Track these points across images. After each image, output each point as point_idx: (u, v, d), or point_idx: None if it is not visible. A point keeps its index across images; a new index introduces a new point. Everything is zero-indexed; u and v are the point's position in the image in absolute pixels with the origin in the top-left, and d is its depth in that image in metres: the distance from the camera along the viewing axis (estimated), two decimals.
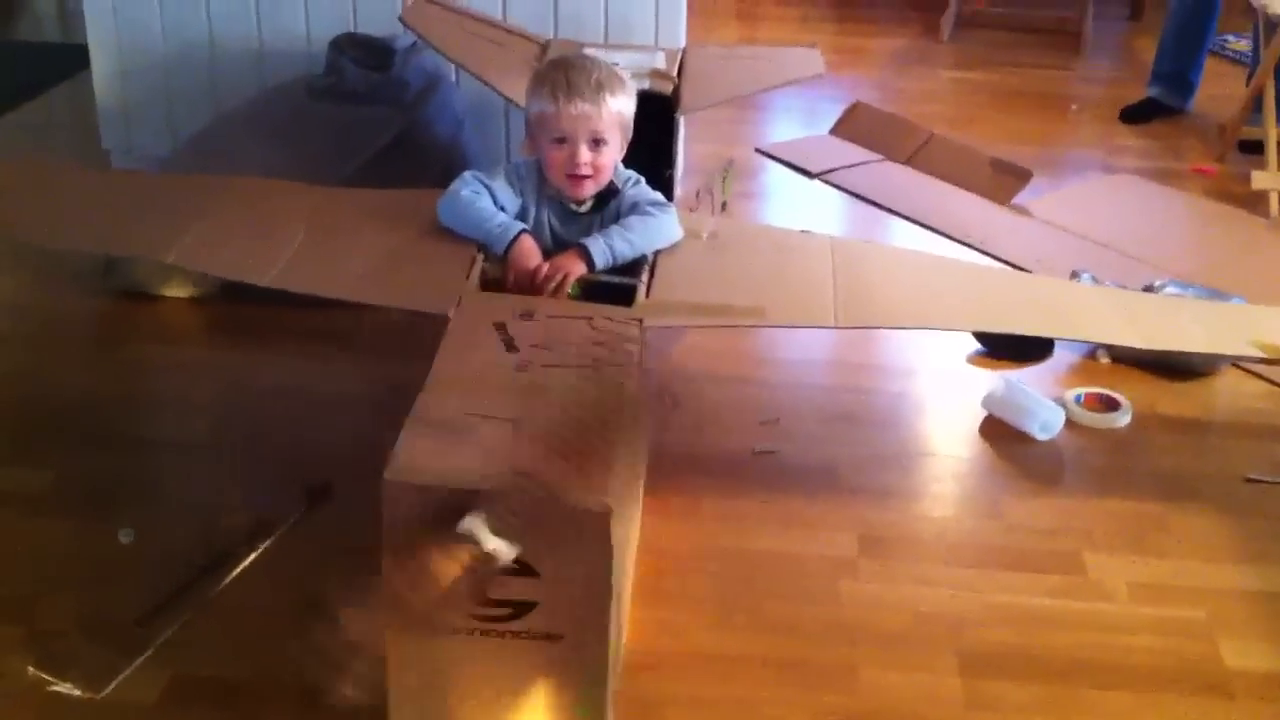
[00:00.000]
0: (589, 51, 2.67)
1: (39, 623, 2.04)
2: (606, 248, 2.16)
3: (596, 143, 2.20)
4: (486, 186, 2.25)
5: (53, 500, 2.36)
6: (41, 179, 2.68)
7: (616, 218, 2.25)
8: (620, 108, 2.22)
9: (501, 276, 2.16)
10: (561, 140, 2.20)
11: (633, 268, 2.19)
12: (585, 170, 2.21)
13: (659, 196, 2.30)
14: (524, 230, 2.20)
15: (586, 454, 1.68)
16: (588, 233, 2.24)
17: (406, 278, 2.17)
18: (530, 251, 2.17)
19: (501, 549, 1.58)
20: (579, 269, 2.14)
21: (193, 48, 3.63)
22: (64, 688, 1.90)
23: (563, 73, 2.21)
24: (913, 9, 5.86)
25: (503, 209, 2.24)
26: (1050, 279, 2.95)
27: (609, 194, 2.28)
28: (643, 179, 2.32)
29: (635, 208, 2.25)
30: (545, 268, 2.14)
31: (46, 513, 2.33)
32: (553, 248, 2.24)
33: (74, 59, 4.16)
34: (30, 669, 1.92)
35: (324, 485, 2.33)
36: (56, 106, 4.45)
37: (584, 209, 2.29)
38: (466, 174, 2.28)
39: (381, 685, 1.72)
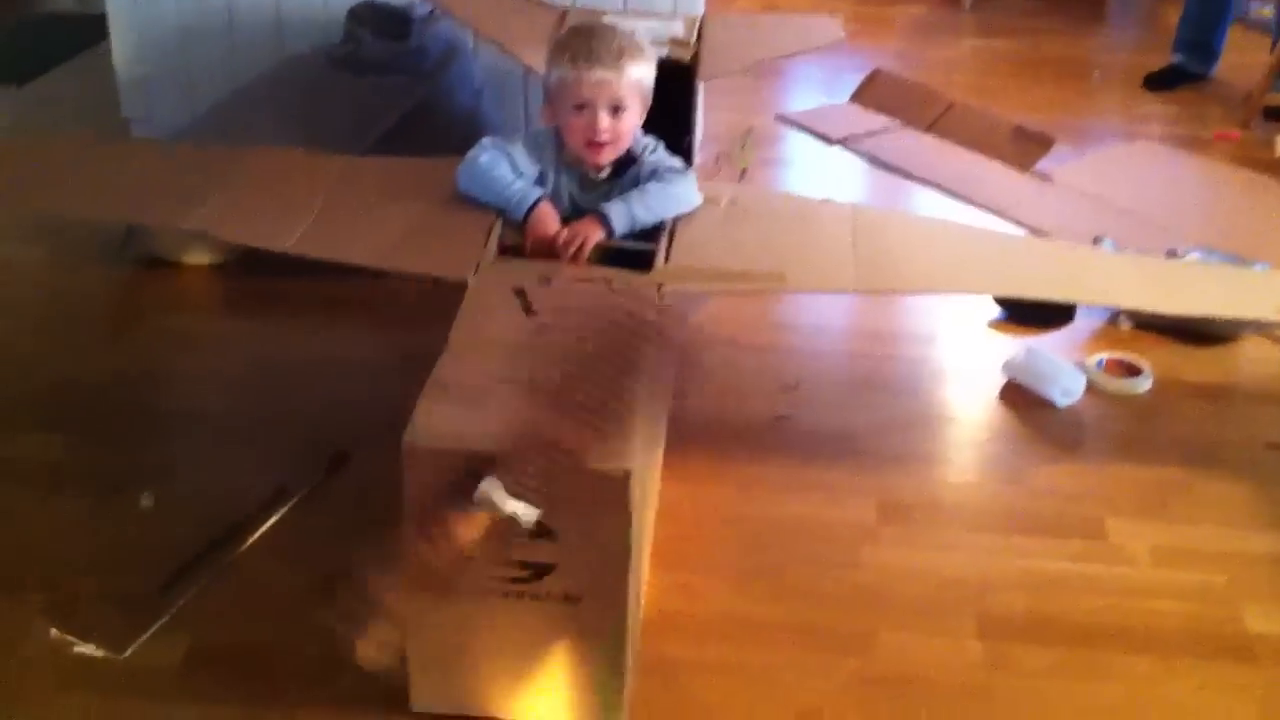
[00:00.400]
0: (608, 19, 2.66)
1: (61, 589, 2.05)
2: (626, 212, 2.16)
3: (616, 109, 2.19)
4: (506, 153, 2.24)
5: (73, 469, 2.37)
6: (60, 150, 2.69)
7: (635, 185, 2.25)
8: (640, 75, 2.21)
9: (520, 243, 2.16)
10: (581, 107, 2.19)
11: (651, 234, 2.18)
12: (605, 137, 2.20)
13: (677, 162, 2.29)
14: (542, 196, 2.19)
15: (605, 417, 1.68)
16: (606, 200, 2.23)
17: (425, 245, 2.17)
18: (549, 218, 2.17)
19: (522, 511, 1.59)
20: (598, 234, 2.14)
21: (211, 17, 3.63)
22: (87, 649, 1.91)
23: (584, 40, 2.21)
24: None
25: (521, 175, 2.24)
26: (1071, 244, 2.93)
27: (627, 161, 2.27)
28: (661, 145, 2.31)
29: (654, 174, 2.25)
30: (564, 233, 2.13)
31: (67, 481, 2.33)
32: (571, 215, 2.23)
33: (93, 29, 4.16)
34: (53, 631, 1.94)
35: (342, 452, 2.33)
36: (76, 77, 4.45)
37: (602, 176, 2.28)
38: (485, 140, 2.27)
39: (401, 649, 1.72)
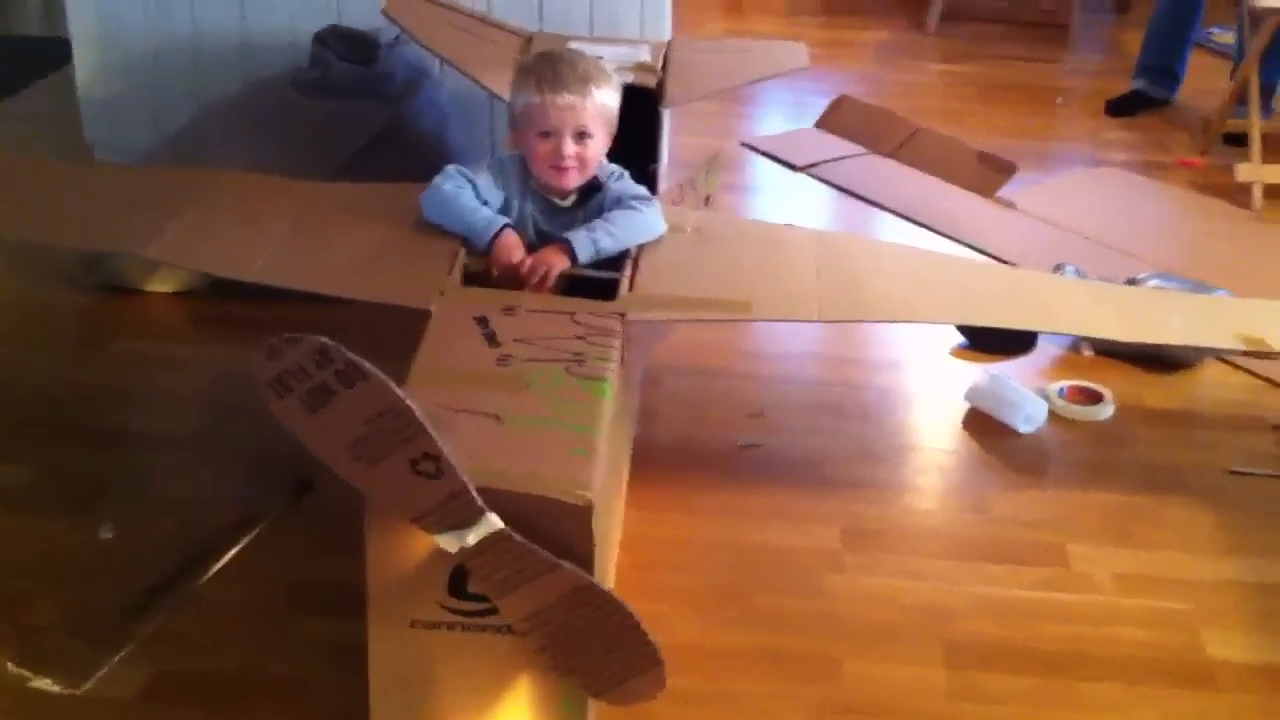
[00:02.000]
0: (574, 45, 2.66)
1: (21, 618, 2.03)
2: (590, 242, 2.16)
3: (581, 135, 2.20)
4: (470, 180, 2.24)
5: (35, 496, 2.35)
6: (23, 174, 2.67)
7: (600, 212, 2.25)
8: (605, 100, 2.22)
9: (485, 271, 2.16)
10: (547, 134, 2.19)
11: (616, 262, 2.18)
12: (570, 163, 2.21)
13: (643, 190, 2.30)
14: (507, 224, 2.19)
15: (567, 447, 1.67)
16: (571, 227, 2.24)
17: (390, 272, 2.17)
18: (514, 246, 2.17)
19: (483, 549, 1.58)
20: (562, 263, 2.14)
21: (176, 41, 3.62)
22: (43, 684, 1.89)
23: (549, 66, 2.21)
24: (899, 2, 5.84)
25: (486, 203, 2.24)
26: (1033, 272, 2.95)
27: (593, 188, 2.28)
28: (626, 173, 2.32)
29: (619, 202, 2.25)
30: (528, 262, 2.13)
31: (29, 508, 2.32)
32: (536, 242, 2.24)
33: (57, 52, 4.13)
34: (10, 665, 1.92)
35: (306, 480, 2.32)
36: (39, 100, 4.41)
37: (568, 203, 2.29)
38: (449, 168, 2.27)
39: (364, 679, 1.71)
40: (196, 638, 2.01)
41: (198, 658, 1.98)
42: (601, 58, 2.33)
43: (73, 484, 2.38)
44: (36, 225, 2.43)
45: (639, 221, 2.23)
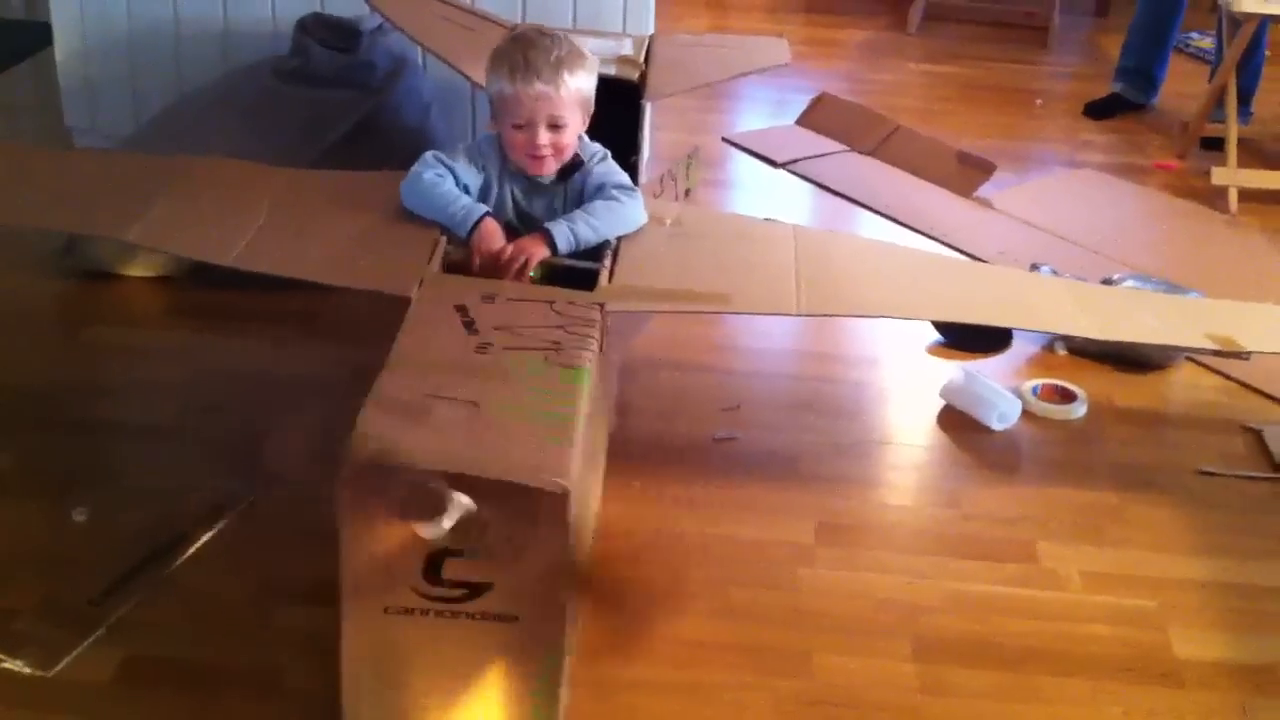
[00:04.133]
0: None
1: None
2: (570, 232, 2.16)
3: (555, 124, 2.20)
4: (448, 167, 2.25)
5: (10, 481, 2.35)
6: (0, 157, 2.66)
7: (582, 191, 2.26)
8: (579, 85, 2.21)
9: (465, 259, 2.16)
10: (520, 124, 2.20)
11: (596, 252, 2.19)
12: (545, 151, 2.21)
13: (626, 180, 2.30)
14: (487, 213, 2.20)
15: (544, 436, 1.68)
16: (552, 205, 2.26)
17: (369, 260, 2.17)
18: (494, 234, 2.17)
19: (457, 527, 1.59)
20: (541, 252, 2.14)
21: (157, 26, 3.60)
22: (14, 665, 1.89)
23: (520, 52, 2.19)
24: (881, 2, 5.87)
25: (466, 188, 2.24)
26: (1010, 270, 2.97)
27: (573, 166, 2.28)
28: (609, 154, 2.33)
29: (601, 190, 2.25)
30: (508, 250, 2.14)
31: (4, 493, 2.31)
32: (516, 221, 2.25)
33: (37, 36, 4.12)
34: None
35: (278, 469, 2.32)
36: (19, 84, 4.41)
37: (547, 180, 2.29)
38: (428, 155, 2.27)
39: (337, 666, 1.72)
40: (170, 624, 2.02)
41: (171, 644, 1.98)
42: (572, 37, 2.29)
43: (46, 470, 2.38)
44: (14, 209, 2.41)
45: (620, 213, 2.24)
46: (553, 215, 2.26)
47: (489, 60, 2.25)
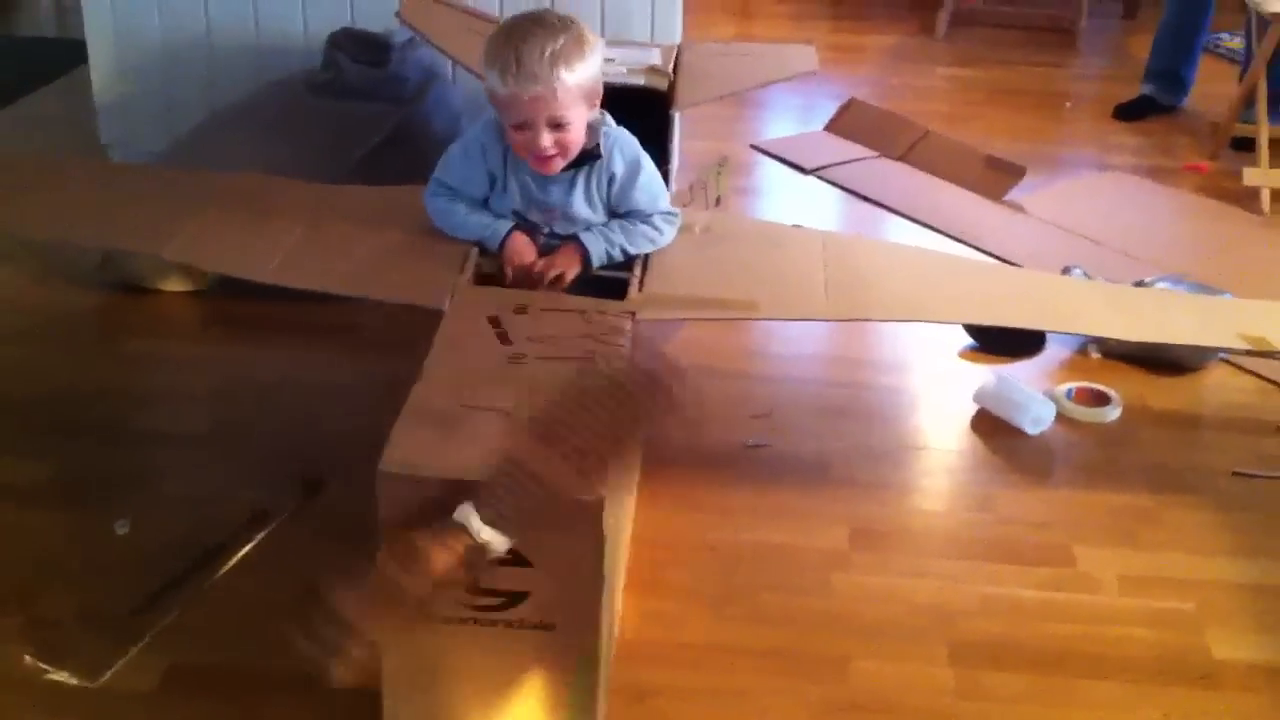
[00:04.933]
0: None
1: (36, 612, 2.06)
2: (605, 251, 2.16)
3: (557, 124, 2.08)
4: (449, 190, 2.23)
5: (50, 492, 2.38)
6: (38, 173, 2.70)
7: (601, 178, 2.19)
8: (579, 79, 2.06)
9: (497, 271, 2.17)
10: (520, 126, 2.10)
11: (626, 260, 2.20)
12: (550, 151, 2.11)
13: (667, 206, 2.26)
14: (515, 227, 2.19)
15: (578, 445, 1.69)
16: (568, 192, 2.19)
17: (402, 272, 2.19)
18: (525, 247, 2.18)
19: (494, 540, 1.60)
20: (575, 269, 2.14)
21: (190, 43, 3.65)
22: (60, 676, 1.92)
23: (512, 49, 2.04)
24: (908, 7, 5.87)
25: (477, 203, 2.22)
26: (1040, 273, 2.97)
27: (586, 154, 2.17)
28: (631, 143, 2.22)
29: (639, 213, 2.21)
30: (540, 264, 2.14)
31: (44, 505, 2.34)
32: (525, 209, 2.21)
33: (71, 54, 4.17)
34: (27, 657, 1.94)
35: (317, 479, 2.35)
36: (54, 102, 4.45)
37: (559, 168, 2.19)
38: (429, 188, 2.25)
39: (378, 673, 1.73)
40: (212, 632, 2.03)
41: (213, 652, 2.00)
42: (573, 21, 2.12)
43: (88, 481, 2.40)
44: (50, 224, 2.45)
45: (656, 241, 2.23)
46: (567, 202, 2.19)
47: (484, 52, 2.11)
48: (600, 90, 2.15)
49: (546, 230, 2.23)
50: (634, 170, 2.22)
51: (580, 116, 2.11)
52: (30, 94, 4.48)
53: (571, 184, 2.21)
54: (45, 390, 2.72)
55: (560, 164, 2.15)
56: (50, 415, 2.62)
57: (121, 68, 3.69)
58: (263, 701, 1.92)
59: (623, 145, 2.21)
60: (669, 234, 2.25)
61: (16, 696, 1.90)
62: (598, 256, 2.15)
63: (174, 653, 1.98)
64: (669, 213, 2.25)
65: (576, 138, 2.13)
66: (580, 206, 2.21)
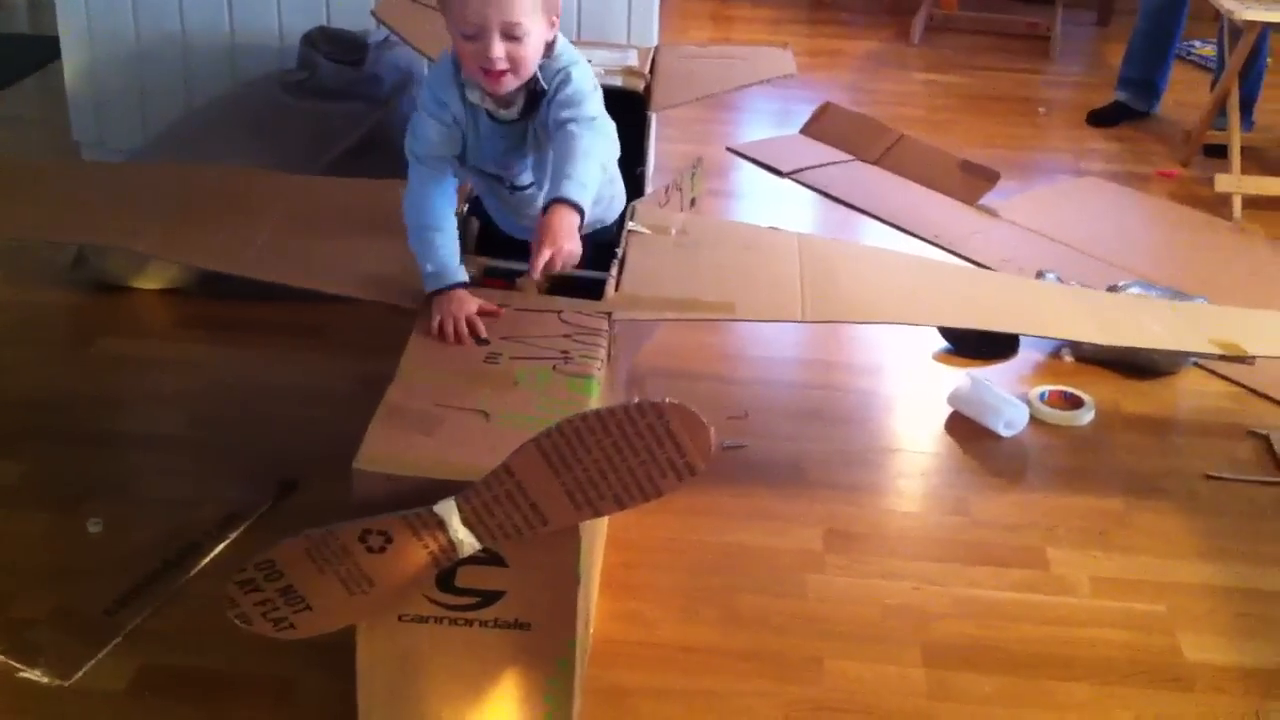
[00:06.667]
0: None
1: (9, 612, 2.05)
2: (579, 184, 1.87)
3: (511, 33, 1.87)
4: (419, 158, 2.04)
5: (23, 493, 2.36)
6: (9, 172, 2.68)
7: (546, 124, 1.98)
8: None
9: (475, 277, 2.06)
10: (471, 34, 1.89)
11: (603, 262, 2.20)
12: (501, 65, 1.89)
13: (587, 109, 1.97)
14: (462, 283, 2.00)
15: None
16: (521, 144, 2.02)
17: (377, 270, 2.18)
18: (465, 299, 1.98)
19: (468, 540, 1.59)
20: (574, 220, 1.85)
21: (165, 40, 3.63)
22: (32, 675, 1.91)
23: None
24: (885, 12, 5.90)
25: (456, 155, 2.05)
26: (1015, 276, 2.98)
27: (537, 94, 1.98)
28: (575, 64, 2.00)
29: (563, 130, 1.93)
30: (545, 245, 1.83)
31: (17, 505, 2.33)
32: (481, 156, 2.06)
33: (44, 51, 4.15)
34: None
35: (290, 480, 2.34)
36: (26, 99, 4.43)
37: (512, 115, 2.01)
38: (409, 156, 2.06)
39: (352, 674, 1.73)
40: (184, 634, 2.02)
41: (186, 653, 1.99)
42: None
43: (60, 481, 2.39)
44: (24, 223, 2.43)
45: (595, 151, 1.93)
46: (522, 160, 2.03)
47: None
48: (560, 9, 1.95)
49: (509, 185, 2.10)
50: (564, 82, 1.98)
51: (538, 29, 1.91)
52: (2, 90, 4.44)
53: (525, 135, 2.03)
54: (17, 391, 2.70)
55: (511, 82, 1.93)
56: (24, 415, 2.60)
57: (95, 65, 3.67)
58: (233, 703, 1.91)
59: (564, 74, 1.98)
60: (592, 140, 1.94)
61: None
62: (579, 194, 1.86)
63: (145, 653, 1.97)
64: (582, 119, 1.95)
65: (532, 53, 1.92)
66: (527, 174, 2.07)
